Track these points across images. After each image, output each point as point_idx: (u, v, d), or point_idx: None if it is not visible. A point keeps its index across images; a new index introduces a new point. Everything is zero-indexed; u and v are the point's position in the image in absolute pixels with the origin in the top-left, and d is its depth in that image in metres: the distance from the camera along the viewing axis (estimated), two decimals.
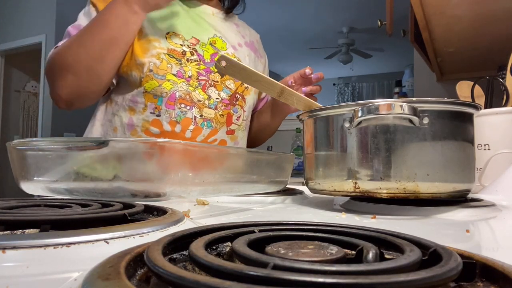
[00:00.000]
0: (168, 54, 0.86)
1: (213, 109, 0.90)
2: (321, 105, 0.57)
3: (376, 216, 0.44)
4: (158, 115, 0.85)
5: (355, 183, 0.48)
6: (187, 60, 0.88)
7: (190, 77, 0.88)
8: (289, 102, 0.60)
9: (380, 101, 0.46)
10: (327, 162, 0.52)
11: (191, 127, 0.87)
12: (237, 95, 0.95)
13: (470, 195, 0.61)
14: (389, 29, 1.92)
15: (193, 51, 0.90)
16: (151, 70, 0.84)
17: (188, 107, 0.87)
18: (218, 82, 0.92)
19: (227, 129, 0.94)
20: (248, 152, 0.62)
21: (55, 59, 0.82)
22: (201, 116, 0.89)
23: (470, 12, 1.21)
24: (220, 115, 0.92)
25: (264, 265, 0.16)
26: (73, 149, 0.50)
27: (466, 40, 1.44)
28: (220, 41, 0.96)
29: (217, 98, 0.91)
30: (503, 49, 1.19)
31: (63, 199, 0.47)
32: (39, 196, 0.55)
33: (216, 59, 0.86)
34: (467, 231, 0.37)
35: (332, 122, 0.52)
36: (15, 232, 0.28)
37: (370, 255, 0.19)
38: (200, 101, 0.88)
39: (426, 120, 0.46)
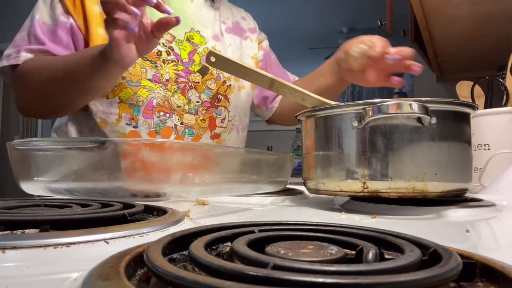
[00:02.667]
0: (141, 57, 0.78)
1: (194, 114, 0.85)
2: (314, 95, 0.56)
3: (376, 216, 0.44)
4: (136, 126, 0.79)
5: (364, 183, 0.48)
6: (163, 61, 0.82)
7: (167, 80, 0.82)
8: (281, 93, 0.59)
9: (391, 101, 0.46)
10: (332, 162, 0.51)
11: (172, 136, 0.82)
12: (219, 95, 0.90)
13: (470, 195, 0.62)
14: (389, 29, 1.92)
15: (170, 50, 0.83)
16: (124, 77, 0.78)
17: (167, 115, 0.82)
18: (198, 83, 0.86)
19: (211, 134, 0.89)
20: (248, 152, 0.62)
21: (27, 79, 0.77)
22: (181, 123, 0.83)
23: (470, 12, 1.21)
24: (201, 120, 0.86)
25: (264, 265, 0.16)
26: (73, 149, 0.50)
27: (466, 40, 1.44)
28: (197, 35, 0.89)
29: (197, 102, 0.86)
30: (503, 49, 1.19)
31: (63, 199, 0.48)
32: (39, 196, 0.55)
33: (195, 56, 0.85)
34: (467, 231, 0.37)
35: (338, 122, 0.51)
36: (15, 232, 0.28)
37: (370, 255, 0.19)
38: (179, 107, 0.83)
39: (434, 120, 0.46)
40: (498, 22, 1.26)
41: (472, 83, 1.00)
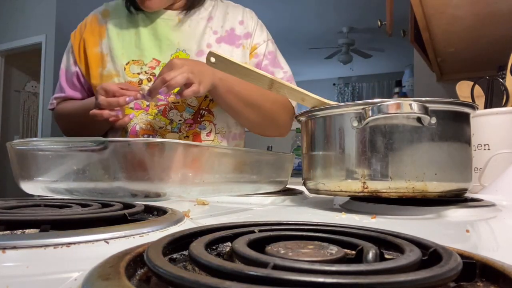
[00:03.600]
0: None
1: (177, 133, 0.88)
2: (314, 96, 0.56)
3: (376, 216, 0.44)
4: None
5: (364, 183, 0.48)
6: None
7: (148, 106, 0.88)
8: (281, 94, 0.59)
9: (390, 101, 0.45)
10: (333, 162, 0.51)
11: None
12: (201, 111, 0.90)
13: (470, 195, 0.62)
14: (389, 29, 1.92)
15: (151, 76, 0.88)
16: None
17: (151, 136, 0.87)
18: (178, 103, 0.89)
19: None
20: (248, 152, 0.62)
21: (58, 122, 1.03)
22: None
23: (470, 12, 1.21)
24: (184, 137, 0.89)
25: (264, 265, 0.16)
26: (73, 149, 0.50)
27: (466, 40, 1.44)
28: (183, 54, 0.91)
29: (179, 120, 0.88)
30: (503, 49, 1.19)
31: (63, 199, 0.47)
32: (39, 196, 0.55)
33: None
34: (467, 231, 0.37)
35: (338, 122, 0.51)
36: (15, 232, 0.28)
37: (370, 255, 0.19)
38: (161, 127, 0.87)
39: (434, 120, 0.46)
40: (498, 22, 1.26)
41: (472, 83, 1.00)
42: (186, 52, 0.91)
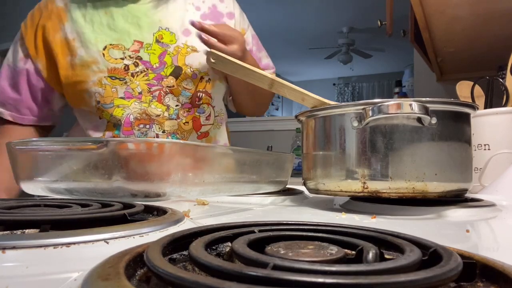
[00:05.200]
0: (109, 77, 0.78)
1: (175, 119, 0.83)
2: (314, 95, 0.56)
3: (376, 216, 0.44)
4: None
5: (364, 183, 0.48)
6: (132, 75, 0.80)
7: (140, 93, 0.80)
8: (281, 93, 0.59)
9: (391, 101, 0.45)
10: (333, 162, 0.51)
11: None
12: (198, 93, 0.85)
13: (470, 195, 0.62)
14: (389, 29, 1.92)
15: (137, 60, 0.80)
16: (98, 102, 0.79)
17: (147, 126, 0.81)
18: (173, 86, 0.82)
19: (197, 134, 0.87)
20: (248, 152, 0.62)
21: None
22: (163, 131, 0.82)
23: (470, 12, 1.21)
24: (184, 123, 0.84)
25: (264, 265, 0.16)
26: (73, 149, 0.50)
27: (466, 40, 1.44)
28: (167, 33, 0.83)
29: (176, 106, 0.83)
30: (503, 49, 1.19)
31: (63, 199, 0.47)
32: (39, 196, 0.55)
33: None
34: (467, 231, 0.37)
35: (338, 122, 0.51)
36: (15, 232, 0.28)
37: (370, 255, 0.19)
38: (158, 115, 0.81)
39: (434, 120, 0.46)
40: (498, 22, 1.26)
41: (472, 83, 1.00)
42: (169, 30, 0.84)
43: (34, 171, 0.53)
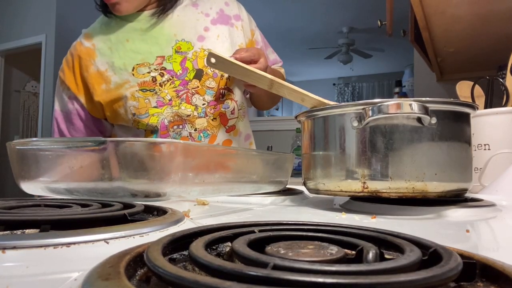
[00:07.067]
0: (141, 90, 0.87)
1: (204, 117, 0.90)
2: (314, 96, 0.56)
3: (376, 216, 0.44)
4: None
5: (364, 183, 0.48)
6: (160, 84, 0.88)
7: (170, 100, 0.88)
8: (281, 94, 0.59)
9: (391, 101, 0.45)
10: (333, 162, 0.51)
11: None
12: (221, 90, 0.92)
13: (470, 195, 0.62)
14: (389, 29, 1.92)
15: (162, 71, 0.89)
16: (134, 114, 0.87)
17: (180, 126, 0.88)
18: (198, 87, 0.90)
19: (226, 128, 0.93)
20: (248, 152, 0.62)
21: None
22: (195, 129, 0.89)
23: (470, 12, 1.21)
24: (212, 119, 0.91)
25: (264, 265, 0.16)
26: (73, 149, 0.50)
27: (466, 40, 1.44)
28: (183, 43, 0.92)
29: (203, 104, 0.90)
30: (503, 49, 1.19)
31: (63, 199, 0.47)
32: (39, 196, 0.55)
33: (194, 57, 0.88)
34: (467, 231, 0.37)
35: (338, 122, 0.51)
36: (15, 232, 0.28)
37: (370, 255, 0.19)
38: (189, 115, 0.88)
39: (434, 120, 0.46)
40: (498, 22, 1.26)
41: (472, 83, 1.00)
42: (185, 41, 0.91)
43: (34, 171, 0.53)
